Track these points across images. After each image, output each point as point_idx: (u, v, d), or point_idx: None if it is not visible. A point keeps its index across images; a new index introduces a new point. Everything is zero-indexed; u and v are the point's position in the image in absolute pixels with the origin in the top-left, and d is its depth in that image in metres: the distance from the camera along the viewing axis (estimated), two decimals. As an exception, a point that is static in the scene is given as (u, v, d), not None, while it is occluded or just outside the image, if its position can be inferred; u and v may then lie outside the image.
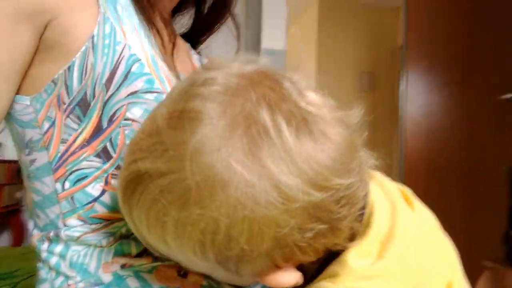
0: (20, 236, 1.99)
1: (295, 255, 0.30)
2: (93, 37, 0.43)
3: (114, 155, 0.44)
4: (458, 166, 1.85)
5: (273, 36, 2.11)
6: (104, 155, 0.44)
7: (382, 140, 3.57)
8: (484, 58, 1.74)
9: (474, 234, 1.70)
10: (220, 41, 0.70)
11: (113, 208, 0.44)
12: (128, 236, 0.43)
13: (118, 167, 0.43)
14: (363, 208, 0.35)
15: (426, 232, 0.37)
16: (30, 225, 0.49)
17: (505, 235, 1.33)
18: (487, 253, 1.43)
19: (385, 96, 3.45)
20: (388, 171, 0.38)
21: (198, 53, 0.69)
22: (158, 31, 0.51)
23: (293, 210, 0.28)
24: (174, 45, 0.54)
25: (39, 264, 0.46)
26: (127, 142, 0.43)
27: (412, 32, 2.32)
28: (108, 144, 0.43)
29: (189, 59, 0.63)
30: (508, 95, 1.56)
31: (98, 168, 0.44)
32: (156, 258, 0.42)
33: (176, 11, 0.66)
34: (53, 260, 0.44)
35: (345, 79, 3.45)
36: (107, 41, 0.43)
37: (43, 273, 0.46)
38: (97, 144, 0.43)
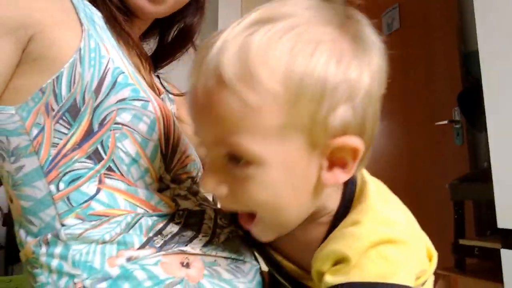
0: None
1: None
2: (80, 50, 0.45)
3: (105, 157, 0.45)
4: (402, 185, 2.04)
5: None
6: (95, 156, 0.45)
7: None
8: (419, 92, 2.02)
9: None
10: (181, 68, 0.69)
11: (110, 205, 0.44)
12: (129, 229, 0.44)
13: (109, 168, 0.45)
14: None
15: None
16: (21, 235, 0.47)
17: (453, 244, 1.48)
18: (438, 263, 2.02)
19: None
20: None
21: (157, 76, 0.73)
22: (137, 55, 0.55)
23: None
24: (150, 65, 0.58)
25: (36, 271, 0.44)
26: (118, 144, 0.45)
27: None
28: (99, 146, 0.45)
29: (152, 78, 0.68)
30: (442, 122, 1.82)
31: (90, 169, 0.45)
32: (160, 248, 0.44)
33: (143, 37, 0.71)
34: (54, 262, 0.43)
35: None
36: (93, 55, 0.46)
37: (42, 278, 0.44)
38: (88, 147, 0.45)
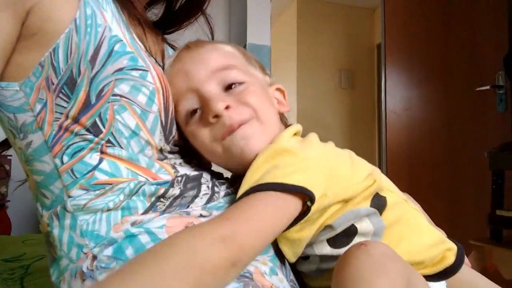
0: (6, 230, 1.92)
1: None
2: (75, 19, 0.44)
3: (103, 130, 0.45)
4: (439, 155, 1.99)
5: (258, 32, 2.10)
6: (94, 130, 0.45)
7: (363, 133, 3.25)
8: (459, 54, 1.89)
9: (460, 217, 1.84)
10: (191, 32, 0.69)
11: (112, 174, 0.45)
12: (133, 195, 0.45)
13: (108, 141, 0.46)
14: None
15: (331, 144, 0.54)
16: (39, 208, 0.48)
17: (490, 215, 1.42)
18: (473, 234, 1.55)
19: (364, 92, 3.44)
20: (371, 162, 0.51)
21: (163, 39, 0.69)
22: (139, 24, 0.54)
23: None
24: (155, 33, 0.57)
25: (54, 243, 0.46)
26: (117, 117, 0.45)
27: (390, 30, 2.30)
28: (97, 119, 0.45)
29: (162, 42, 0.65)
30: (483, 87, 1.73)
31: (91, 141, 0.45)
32: (163, 212, 0.46)
33: (148, 4, 0.67)
34: (65, 234, 0.44)
35: (324, 77, 3.36)
36: (89, 22, 0.45)
37: (57, 251, 0.46)
38: (86, 120, 0.45)
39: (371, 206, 0.49)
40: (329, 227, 0.48)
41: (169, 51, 0.66)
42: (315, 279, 0.53)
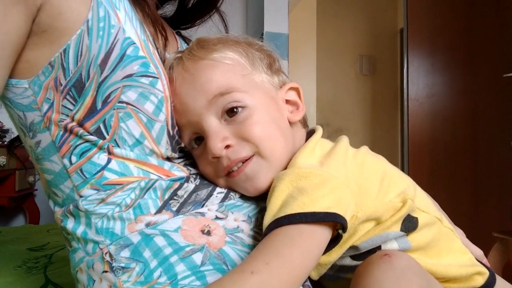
0: (35, 218, 2.04)
1: None
2: (87, 21, 0.43)
3: (107, 137, 0.45)
4: (462, 143, 1.93)
5: (275, 20, 2.08)
6: (97, 135, 0.45)
7: (384, 121, 3.24)
8: (485, 39, 1.81)
9: (483, 208, 1.79)
10: (205, 29, 0.67)
11: (122, 173, 0.45)
12: (143, 195, 0.45)
13: (115, 145, 0.45)
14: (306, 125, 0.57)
15: (362, 153, 0.50)
16: (51, 204, 0.50)
17: None
18: (497, 226, 1.52)
19: (386, 78, 3.35)
20: (393, 151, 0.64)
21: (177, 33, 0.68)
22: (152, 23, 0.52)
23: None
24: (166, 38, 0.54)
25: (68, 236, 0.47)
26: (121, 124, 0.45)
27: (413, 15, 2.23)
28: (101, 125, 0.45)
29: (174, 39, 0.64)
30: (510, 74, 1.65)
31: (95, 143, 0.45)
32: (176, 212, 0.45)
33: (161, 2, 0.65)
34: (79, 230, 0.45)
35: (345, 63, 3.28)
36: (101, 24, 0.44)
37: (73, 243, 0.47)
38: (90, 125, 0.45)
39: (401, 229, 0.46)
40: (354, 247, 0.47)
41: (183, 46, 0.65)
42: (330, 282, 0.52)
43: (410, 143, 2.34)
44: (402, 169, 2.43)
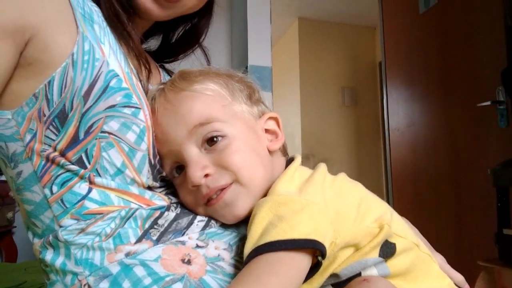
0: (12, 256, 1.96)
1: None
2: (73, 54, 0.45)
3: (88, 166, 0.45)
4: (443, 171, 1.96)
5: (258, 53, 2.16)
6: (79, 164, 0.45)
7: (369, 151, 3.28)
8: (459, 69, 1.88)
9: (467, 237, 1.79)
10: (188, 62, 0.69)
11: (103, 203, 0.45)
12: (123, 224, 0.45)
13: (96, 175, 0.46)
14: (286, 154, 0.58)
15: (340, 180, 0.51)
16: (30, 236, 0.50)
17: (497, 235, 1.39)
18: (481, 254, 1.53)
19: (368, 109, 3.37)
20: (378, 180, 0.67)
21: (161, 65, 0.70)
22: (136, 57, 0.53)
23: None
24: (149, 71, 0.55)
25: (47, 269, 0.47)
26: (103, 154, 0.45)
27: (390, 48, 2.33)
28: (83, 155, 0.45)
29: (158, 72, 0.65)
30: (485, 103, 1.69)
31: (76, 173, 0.45)
32: (156, 241, 0.45)
33: (145, 36, 0.67)
34: (58, 261, 0.45)
35: (327, 94, 3.37)
36: (86, 57, 0.45)
37: (52, 276, 0.46)
38: (72, 155, 0.45)
39: (379, 255, 0.47)
40: (334, 275, 0.47)
41: (166, 78, 0.66)
42: None
43: (393, 172, 2.37)
44: (387, 198, 2.47)
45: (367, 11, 3.26)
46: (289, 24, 3.56)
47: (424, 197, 2.09)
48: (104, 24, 0.51)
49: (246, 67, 2.02)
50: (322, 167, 0.51)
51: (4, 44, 0.42)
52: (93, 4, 0.52)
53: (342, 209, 0.46)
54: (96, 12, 0.51)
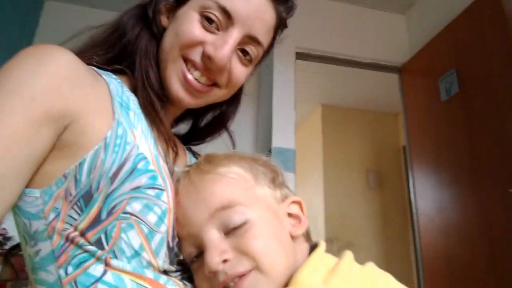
0: None
1: None
2: (106, 138, 0.46)
3: (106, 247, 0.45)
4: (481, 261, 1.84)
5: (283, 136, 2.23)
6: (97, 245, 0.45)
7: (395, 236, 3.20)
8: (489, 154, 1.85)
9: None
10: (215, 145, 0.73)
11: (116, 286, 0.44)
12: None
13: (112, 256, 0.45)
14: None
15: (368, 271, 0.48)
16: None
17: None
18: None
19: (394, 193, 3.29)
20: (407, 266, 0.53)
21: (188, 148, 0.72)
22: (165, 140, 0.54)
23: None
24: (176, 154, 0.56)
25: None
26: (122, 235, 0.45)
27: (414, 134, 2.36)
28: (102, 236, 0.45)
29: (184, 154, 0.67)
30: None
31: (93, 254, 0.45)
32: None
33: (176, 120, 0.71)
34: None
35: (351, 177, 3.36)
36: (118, 141, 0.47)
37: None
38: (91, 235, 0.45)
39: None
40: None
41: (192, 160, 0.68)
42: None
43: (424, 260, 2.23)
44: (419, 287, 2.27)
45: (388, 99, 3.38)
46: (312, 110, 3.71)
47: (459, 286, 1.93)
48: (139, 111, 0.54)
49: (270, 150, 2.10)
50: (348, 255, 0.49)
51: (47, 130, 0.44)
52: (131, 94, 0.55)
53: None
54: (132, 101, 0.54)
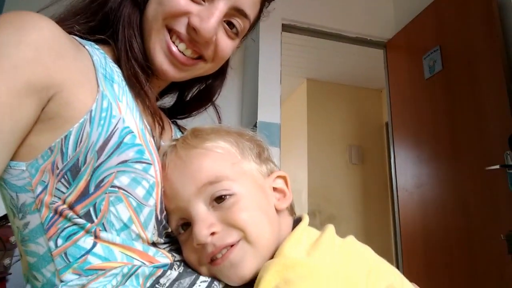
0: None
1: None
2: (91, 111, 0.46)
3: (95, 220, 0.45)
4: (454, 235, 1.92)
5: (268, 110, 2.24)
6: (86, 218, 0.45)
7: (376, 209, 3.25)
8: (467, 134, 1.90)
9: None
10: (201, 119, 0.72)
11: (106, 258, 0.45)
12: (125, 282, 0.44)
13: (102, 229, 0.46)
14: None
15: (349, 244, 0.50)
16: None
17: None
18: None
19: (375, 168, 3.37)
20: (386, 239, 0.60)
21: (173, 122, 0.72)
22: (151, 114, 0.55)
23: None
24: (162, 128, 0.57)
25: None
26: (111, 208, 0.45)
27: (397, 110, 2.38)
28: (91, 209, 0.45)
29: (170, 128, 0.67)
30: (493, 166, 1.69)
31: (83, 226, 0.45)
32: None
33: (161, 94, 0.70)
34: None
35: (334, 152, 3.39)
36: (103, 114, 0.46)
37: None
38: (80, 209, 0.45)
39: None
40: None
41: (178, 134, 0.68)
42: None
43: (402, 233, 2.31)
44: (396, 259, 2.37)
45: (373, 75, 3.39)
46: (298, 84, 3.70)
47: (436, 259, 2.02)
48: (123, 83, 0.53)
49: (255, 124, 2.10)
50: (330, 229, 0.50)
51: (30, 101, 0.43)
52: (115, 65, 0.54)
53: (351, 276, 0.45)
54: (116, 72, 0.53)
